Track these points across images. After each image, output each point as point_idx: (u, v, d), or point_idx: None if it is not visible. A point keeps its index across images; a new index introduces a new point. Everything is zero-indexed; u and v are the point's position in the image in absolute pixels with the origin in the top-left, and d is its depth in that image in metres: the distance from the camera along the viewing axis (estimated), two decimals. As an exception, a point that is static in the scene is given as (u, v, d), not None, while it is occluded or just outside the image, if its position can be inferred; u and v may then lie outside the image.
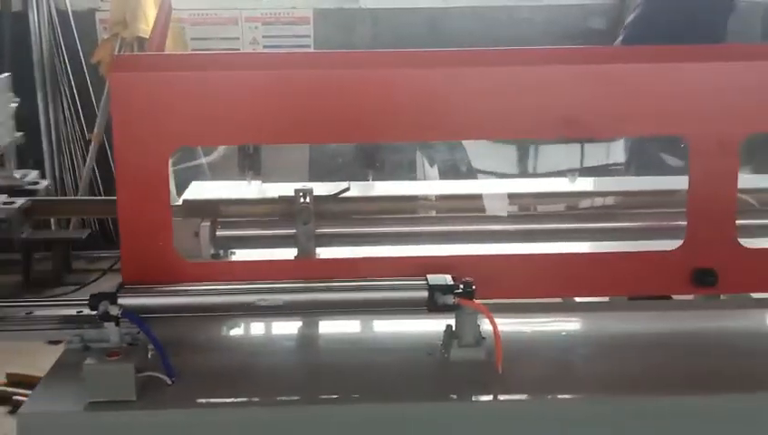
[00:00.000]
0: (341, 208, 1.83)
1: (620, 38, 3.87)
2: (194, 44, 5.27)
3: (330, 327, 1.77)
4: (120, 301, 1.50)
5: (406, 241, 1.83)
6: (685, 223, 1.68)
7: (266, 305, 1.54)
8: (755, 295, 1.91)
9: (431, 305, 1.55)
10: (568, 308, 1.90)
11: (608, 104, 1.63)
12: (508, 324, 1.75)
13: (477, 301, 1.56)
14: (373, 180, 1.98)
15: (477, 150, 2.62)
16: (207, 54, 3.17)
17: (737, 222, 1.67)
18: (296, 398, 1.53)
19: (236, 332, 1.76)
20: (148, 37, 4.57)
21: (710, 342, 1.73)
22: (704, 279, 1.66)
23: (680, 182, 1.71)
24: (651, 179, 2.03)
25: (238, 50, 5.28)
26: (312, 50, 5.38)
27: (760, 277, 1.70)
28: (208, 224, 1.75)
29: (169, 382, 1.46)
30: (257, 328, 1.77)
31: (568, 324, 1.80)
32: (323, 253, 1.84)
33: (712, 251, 1.66)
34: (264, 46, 5.42)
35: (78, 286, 4.41)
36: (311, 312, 1.63)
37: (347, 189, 1.85)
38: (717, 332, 1.79)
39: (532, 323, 1.79)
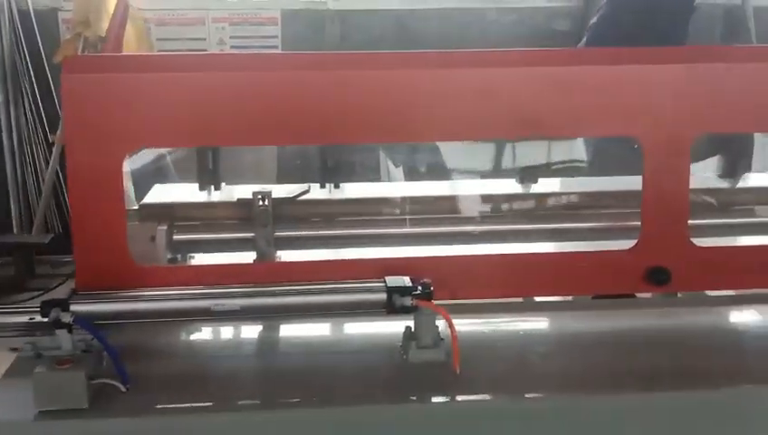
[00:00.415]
0: (301, 211, 1.83)
1: (584, 40, 3.92)
2: (160, 45, 5.20)
3: (289, 331, 1.76)
4: (73, 307, 1.47)
5: (367, 243, 1.83)
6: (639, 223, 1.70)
7: (222, 310, 1.53)
8: (710, 293, 1.95)
9: (389, 307, 1.55)
10: (528, 308, 1.91)
11: (563, 106, 1.65)
12: (468, 325, 1.76)
13: (437, 302, 1.57)
14: (338, 182, 1.98)
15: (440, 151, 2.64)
16: (160, 55, 3.15)
17: (690, 222, 1.70)
18: (255, 403, 1.52)
19: (195, 337, 1.74)
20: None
21: (667, 339, 1.76)
22: (657, 278, 1.69)
23: (637, 182, 1.73)
24: (609, 180, 2.05)
25: (205, 50, 5.23)
26: (279, 50, 5.34)
27: (712, 275, 1.73)
28: (165, 228, 1.73)
29: (123, 389, 1.44)
30: (216, 333, 1.76)
31: (527, 324, 1.82)
32: (284, 256, 1.84)
33: (665, 250, 1.69)
34: (232, 47, 5.37)
35: (42, 291, 4.33)
36: (268, 316, 1.61)
37: (306, 192, 1.85)
38: (674, 329, 1.82)
39: (491, 324, 1.80)
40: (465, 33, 5.22)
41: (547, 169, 2.14)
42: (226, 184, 1.96)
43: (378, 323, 1.70)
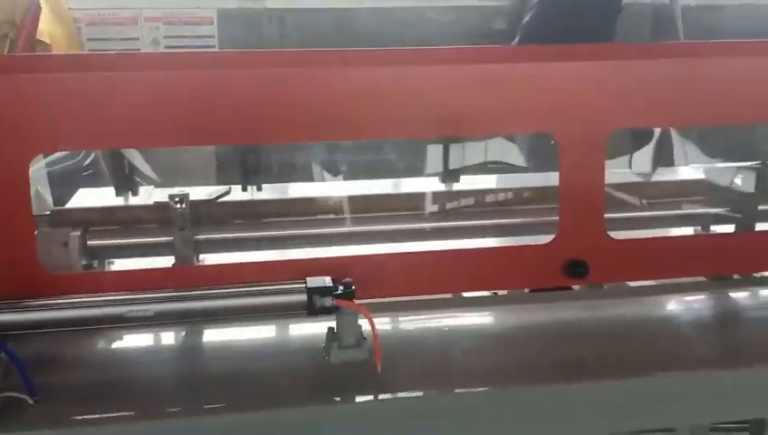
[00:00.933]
0: (222, 213, 1.80)
1: (517, 38, 3.98)
2: (91, 45, 5.05)
3: (210, 335, 1.72)
4: (-24, 318, 1.42)
5: (290, 244, 1.81)
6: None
7: (136, 317, 1.49)
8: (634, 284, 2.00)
9: (310, 309, 1.54)
10: (456, 303, 1.92)
11: (481, 103, 1.66)
12: (394, 323, 1.77)
13: (360, 301, 1.56)
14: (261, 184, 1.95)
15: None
16: (66, 55, 3.05)
17: (607, 215, 1.74)
18: (176, 410, 1.48)
19: (111, 345, 1.68)
20: (38, 37, 4.35)
21: (591, 330, 1.79)
22: (575, 271, 1.72)
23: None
24: (533, 176, 2.08)
25: (139, 50, 5.11)
26: (216, 50, 5.26)
27: (628, 267, 1.78)
28: (78, 233, 1.68)
29: (31, 402, 1.39)
30: (133, 340, 1.70)
31: (453, 320, 1.82)
32: (208, 259, 1.81)
33: (582, 244, 1.72)
34: (166, 47, 5.26)
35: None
36: (185, 321, 1.58)
37: (227, 193, 1.82)
38: (598, 320, 1.86)
39: (418, 321, 1.80)
40: (404, 31, 5.24)
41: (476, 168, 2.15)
42: (156, 187, 1.91)
43: (302, 325, 1.69)
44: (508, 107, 1.67)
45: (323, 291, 1.53)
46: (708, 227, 2.05)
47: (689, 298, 1.97)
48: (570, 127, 1.69)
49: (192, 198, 1.75)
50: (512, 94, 1.66)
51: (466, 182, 2.04)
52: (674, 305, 1.96)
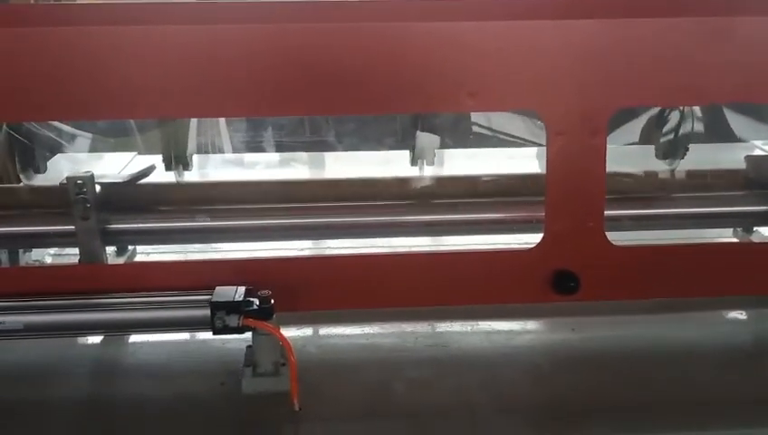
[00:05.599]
0: (138, 198, 1.49)
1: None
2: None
3: (112, 341, 1.45)
4: None
5: (221, 239, 1.51)
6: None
7: (4, 329, 1.22)
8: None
9: (213, 327, 1.24)
10: (423, 315, 1.57)
11: (440, 71, 1.29)
12: (326, 339, 1.46)
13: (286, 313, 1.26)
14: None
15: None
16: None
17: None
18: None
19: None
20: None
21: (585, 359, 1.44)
22: (563, 285, 1.36)
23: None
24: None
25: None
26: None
27: (632, 282, 1.39)
28: None
29: None
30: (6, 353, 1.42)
31: (402, 339, 1.47)
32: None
33: (574, 250, 1.35)
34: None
35: None
36: (63, 335, 1.30)
37: (148, 172, 1.51)
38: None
39: (358, 337, 1.47)
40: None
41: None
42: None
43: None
44: (485, 77, 1.29)
45: (230, 307, 1.23)
46: (750, 230, 1.64)
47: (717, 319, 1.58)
48: (561, 103, 1.30)
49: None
50: (489, 61, 1.28)
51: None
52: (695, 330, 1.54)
